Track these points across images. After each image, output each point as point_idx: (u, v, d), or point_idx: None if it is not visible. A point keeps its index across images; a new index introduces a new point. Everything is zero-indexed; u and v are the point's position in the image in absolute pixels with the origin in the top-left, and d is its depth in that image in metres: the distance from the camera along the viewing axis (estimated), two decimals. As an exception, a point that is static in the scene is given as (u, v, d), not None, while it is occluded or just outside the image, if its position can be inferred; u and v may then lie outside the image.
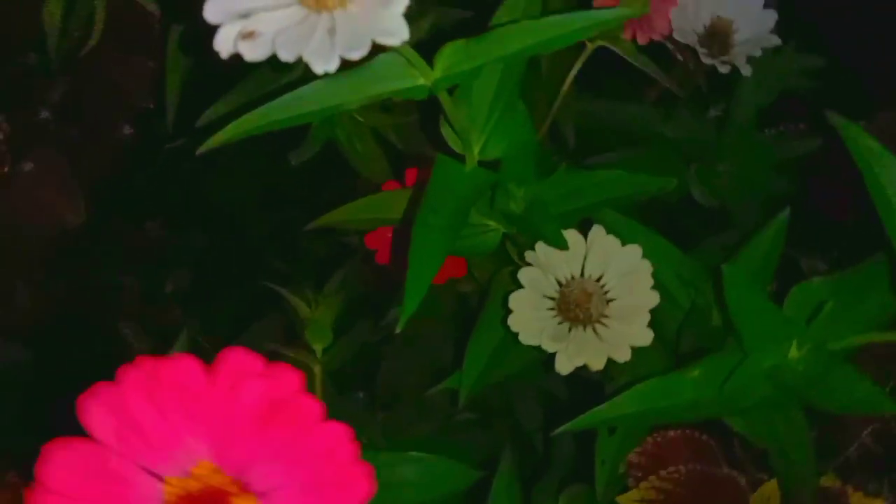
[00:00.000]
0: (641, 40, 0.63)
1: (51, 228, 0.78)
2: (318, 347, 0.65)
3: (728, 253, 0.56)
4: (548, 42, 0.40)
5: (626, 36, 0.63)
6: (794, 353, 0.46)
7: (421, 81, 0.40)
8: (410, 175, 0.61)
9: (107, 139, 0.78)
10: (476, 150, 0.48)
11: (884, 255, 0.47)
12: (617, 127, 0.74)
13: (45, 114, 0.77)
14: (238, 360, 0.29)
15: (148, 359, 0.29)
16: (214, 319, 0.85)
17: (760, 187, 0.72)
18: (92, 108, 0.77)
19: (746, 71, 0.63)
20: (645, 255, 0.52)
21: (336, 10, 0.32)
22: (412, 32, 0.62)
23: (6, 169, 0.72)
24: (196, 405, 0.29)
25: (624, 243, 0.53)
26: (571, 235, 0.53)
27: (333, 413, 0.66)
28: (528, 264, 0.53)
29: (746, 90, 0.69)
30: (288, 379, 0.29)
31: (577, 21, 0.39)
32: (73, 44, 0.66)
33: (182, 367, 0.29)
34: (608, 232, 0.53)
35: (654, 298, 0.52)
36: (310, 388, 0.66)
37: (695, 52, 0.64)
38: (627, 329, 0.52)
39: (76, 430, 0.30)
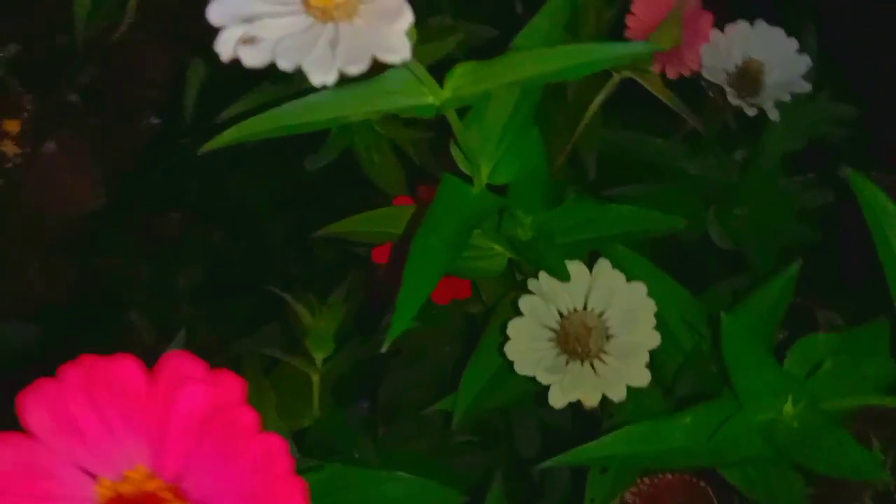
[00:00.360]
0: (671, 74, 0.62)
1: (68, 211, 0.78)
2: (318, 357, 0.64)
3: (737, 298, 0.55)
4: (562, 71, 0.39)
5: (656, 69, 0.62)
6: (789, 408, 0.45)
7: (430, 100, 0.39)
8: (422, 191, 0.60)
9: (132, 127, 0.78)
10: (485, 173, 0.47)
11: (886, 317, 0.46)
12: (640, 159, 0.72)
13: (72, 97, 0.77)
14: (179, 364, 0.29)
15: (90, 357, 0.28)
16: (223, 318, 0.84)
17: (779, 234, 0.71)
18: (119, 95, 0.77)
19: (774, 115, 0.62)
20: (650, 294, 0.51)
21: (342, 23, 0.31)
22: (438, 48, 0.62)
23: (27, 149, 0.73)
24: (134, 407, 0.28)
25: (629, 279, 0.52)
26: (576, 267, 0.52)
27: (328, 423, 0.65)
28: (531, 292, 0.52)
29: (773, 135, 0.68)
30: (228, 387, 0.29)
31: (591, 52, 0.38)
32: (103, 29, 0.66)
33: (122, 368, 0.28)
34: (615, 266, 0.52)
35: (655, 339, 0.51)
36: (308, 396, 0.66)
37: (723, 91, 0.63)
38: (625, 368, 0.51)
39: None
